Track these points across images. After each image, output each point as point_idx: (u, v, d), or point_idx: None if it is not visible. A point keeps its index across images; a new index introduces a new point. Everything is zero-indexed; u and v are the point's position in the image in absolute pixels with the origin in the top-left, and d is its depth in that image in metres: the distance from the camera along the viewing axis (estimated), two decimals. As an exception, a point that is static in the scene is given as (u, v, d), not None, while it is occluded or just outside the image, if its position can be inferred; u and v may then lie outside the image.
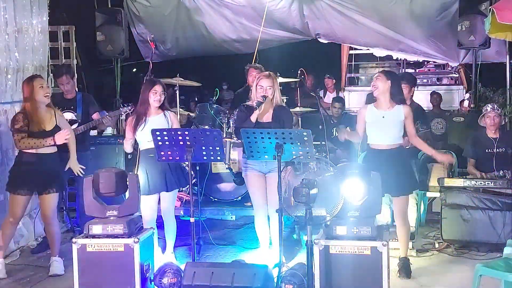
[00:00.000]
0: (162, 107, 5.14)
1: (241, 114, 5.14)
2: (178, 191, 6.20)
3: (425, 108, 6.77)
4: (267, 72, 5.16)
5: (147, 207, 5.05)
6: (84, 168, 5.35)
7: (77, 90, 6.61)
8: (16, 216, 5.15)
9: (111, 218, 4.38)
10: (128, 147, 5.17)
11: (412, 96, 6.07)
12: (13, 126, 5.03)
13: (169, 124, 5.10)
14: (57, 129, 5.09)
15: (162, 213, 5.20)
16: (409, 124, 4.90)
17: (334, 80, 11.07)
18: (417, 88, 8.57)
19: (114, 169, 4.57)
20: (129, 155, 7.09)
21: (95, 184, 4.42)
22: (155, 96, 5.06)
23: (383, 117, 4.85)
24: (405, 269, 4.95)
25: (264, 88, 5.01)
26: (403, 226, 4.98)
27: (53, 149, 5.13)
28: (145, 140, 5.03)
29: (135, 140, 5.15)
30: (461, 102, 10.40)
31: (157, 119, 5.08)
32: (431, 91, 10.19)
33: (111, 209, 4.42)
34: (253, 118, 4.95)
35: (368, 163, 4.83)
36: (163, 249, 5.26)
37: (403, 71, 11.80)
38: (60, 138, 4.99)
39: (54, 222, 5.19)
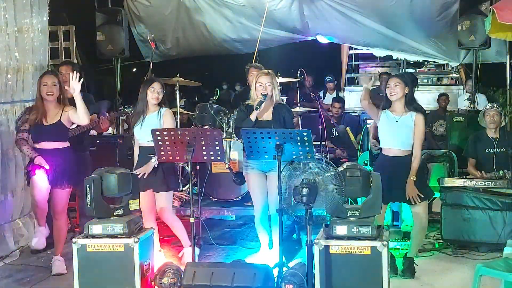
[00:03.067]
0: (160, 105, 5.15)
1: (241, 114, 5.15)
2: (179, 191, 6.22)
3: (432, 108, 6.78)
4: (265, 70, 5.17)
5: (143, 203, 5.05)
6: None
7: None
8: (35, 198, 5.18)
9: (111, 218, 4.39)
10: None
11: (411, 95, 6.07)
12: (17, 121, 5.19)
13: (160, 121, 5.08)
14: (58, 125, 5.10)
15: (160, 214, 5.19)
16: (416, 132, 4.87)
17: (335, 82, 11.08)
18: (417, 88, 8.58)
19: (122, 169, 4.60)
20: (128, 156, 7.10)
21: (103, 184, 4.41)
22: (153, 93, 5.08)
23: (397, 121, 4.88)
24: (410, 269, 4.95)
25: (263, 85, 5.01)
26: (421, 232, 5.02)
27: (66, 144, 5.17)
28: (144, 139, 5.04)
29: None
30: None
31: (152, 117, 5.11)
32: (440, 92, 10.14)
33: (117, 209, 4.43)
34: (252, 117, 4.96)
35: (381, 169, 4.83)
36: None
37: (403, 71, 11.81)
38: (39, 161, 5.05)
39: (63, 218, 5.23)
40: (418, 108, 4.96)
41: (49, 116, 5.11)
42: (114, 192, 4.41)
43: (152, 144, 4.76)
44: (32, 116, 5.10)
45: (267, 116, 5.07)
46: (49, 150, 5.10)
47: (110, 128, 8.17)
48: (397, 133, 4.88)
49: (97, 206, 4.35)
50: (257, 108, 4.92)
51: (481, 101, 9.22)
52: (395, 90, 4.86)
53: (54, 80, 5.14)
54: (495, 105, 6.20)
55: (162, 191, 5.10)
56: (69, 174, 5.16)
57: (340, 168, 4.16)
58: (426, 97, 10.19)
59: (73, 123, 5.79)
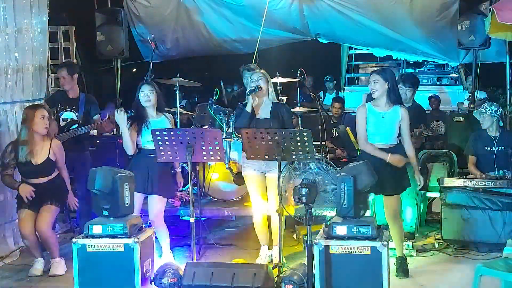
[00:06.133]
0: (159, 109, 5.13)
1: (239, 112, 5.16)
2: (178, 191, 6.21)
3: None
4: (257, 70, 5.28)
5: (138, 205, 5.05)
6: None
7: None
8: (25, 234, 5.11)
9: (111, 218, 4.39)
10: (129, 147, 5.05)
11: (413, 96, 6.07)
12: (2, 158, 5.18)
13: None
14: (47, 162, 5.12)
15: (149, 218, 5.13)
16: (404, 126, 4.87)
17: (335, 82, 11.08)
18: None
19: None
20: (128, 156, 7.09)
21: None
22: (143, 97, 5.05)
23: (383, 117, 4.85)
24: (402, 268, 4.95)
25: (255, 79, 5.07)
26: (395, 225, 4.96)
27: (53, 175, 5.22)
28: (145, 140, 5.03)
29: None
30: (459, 103, 10.39)
31: (159, 123, 5.08)
32: (429, 95, 10.17)
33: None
34: (248, 108, 4.97)
35: None
36: (160, 252, 5.20)
37: (403, 71, 11.82)
38: (24, 192, 5.08)
39: (48, 236, 5.12)
40: (400, 101, 4.94)
41: (36, 153, 5.08)
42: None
43: (152, 145, 4.77)
44: (21, 154, 5.06)
45: (265, 114, 5.08)
46: (37, 184, 5.14)
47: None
48: (383, 128, 4.86)
49: (131, 204, 4.44)
50: (247, 95, 4.95)
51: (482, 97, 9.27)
52: (375, 87, 4.85)
53: (47, 114, 5.15)
54: (485, 105, 6.14)
55: (156, 195, 5.08)
56: (54, 196, 5.18)
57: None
58: (426, 97, 10.18)
59: (73, 124, 5.82)
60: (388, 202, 4.94)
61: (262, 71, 5.19)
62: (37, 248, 5.21)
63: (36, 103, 5.70)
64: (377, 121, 4.87)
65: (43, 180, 5.17)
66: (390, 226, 4.96)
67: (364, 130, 4.93)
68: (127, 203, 4.45)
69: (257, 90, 4.99)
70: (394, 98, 4.87)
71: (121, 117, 4.93)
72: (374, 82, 4.85)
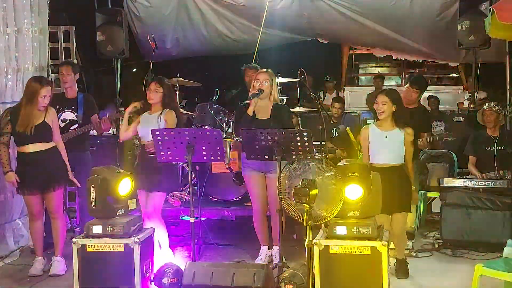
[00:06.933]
0: (163, 105, 5.13)
1: (239, 112, 5.16)
2: (178, 191, 6.22)
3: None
4: (264, 69, 5.23)
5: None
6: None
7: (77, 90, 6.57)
8: (33, 213, 5.18)
9: (111, 218, 4.39)
10: (122, 133, 5.24)
11: (420, 99, 6.07)
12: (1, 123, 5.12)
13: (159, 122, 5.03)
14: (42, 126, 5.06)
15: (147, 211, 5.14)
16: (407, 146, 4.85)
17: (334, 82, 11.08)
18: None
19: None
20: (129, 156, 7.10)
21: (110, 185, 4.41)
22: (149, 93, 5.11)
23: (386, 137, 4.84)
24: (402, 268, 4.93)
25: (260, 81, 5.04)
26: (400, 242, 4.95)
27: (51, 145, 5.14)
28: (145, 138, 5.05)
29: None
30: (459, 103, 10.40)
31: (150, 118, 5.09)
32: (428, 95, 10.17)
33: (119, 208, 4.45)
34: (249, 111, 4.96)
35: None
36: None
37: (403, 71, 11.84)
38: (9, 180, 5.11)
39: (59, 216, 5.20)
40: (405, 124, 4.89)
41: (32, 123, 5.03)
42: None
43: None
44: (17, 123, 5.02)
45: (265, 114, 5.08)
46: (35, 152, 5.06)
47: (111, 128, 8.15)
48: (388, 149, 4.84)
49: (103, 207, 4.35)
50: (249, 99, 4.94)
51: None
52: (382, 108, 4.82)
53: (50, 92, 5.10)
54: (492, 103, 6.18)
55: (155, 191, 5.07)
56: (58, 175, 5.16)
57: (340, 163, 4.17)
58: (426, 97, 10.18)
59: (73, 124, 5.82)
60: (395, 219, 4.87)
61: (269, 71, 5.16)
62: (41, 241, 5.24)
63: (42, 76, 5.61)
64: (381, 141, 4.85)
65: (40, 147, 5.05)
66: (395, 244, 4.88)
67: (366, 150, 4.94)
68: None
69: (260, 94, 4.98)
70: (399, 121, 4.85)
71: (131, 108, 5.18)
72: (383, 104, 4.82)
